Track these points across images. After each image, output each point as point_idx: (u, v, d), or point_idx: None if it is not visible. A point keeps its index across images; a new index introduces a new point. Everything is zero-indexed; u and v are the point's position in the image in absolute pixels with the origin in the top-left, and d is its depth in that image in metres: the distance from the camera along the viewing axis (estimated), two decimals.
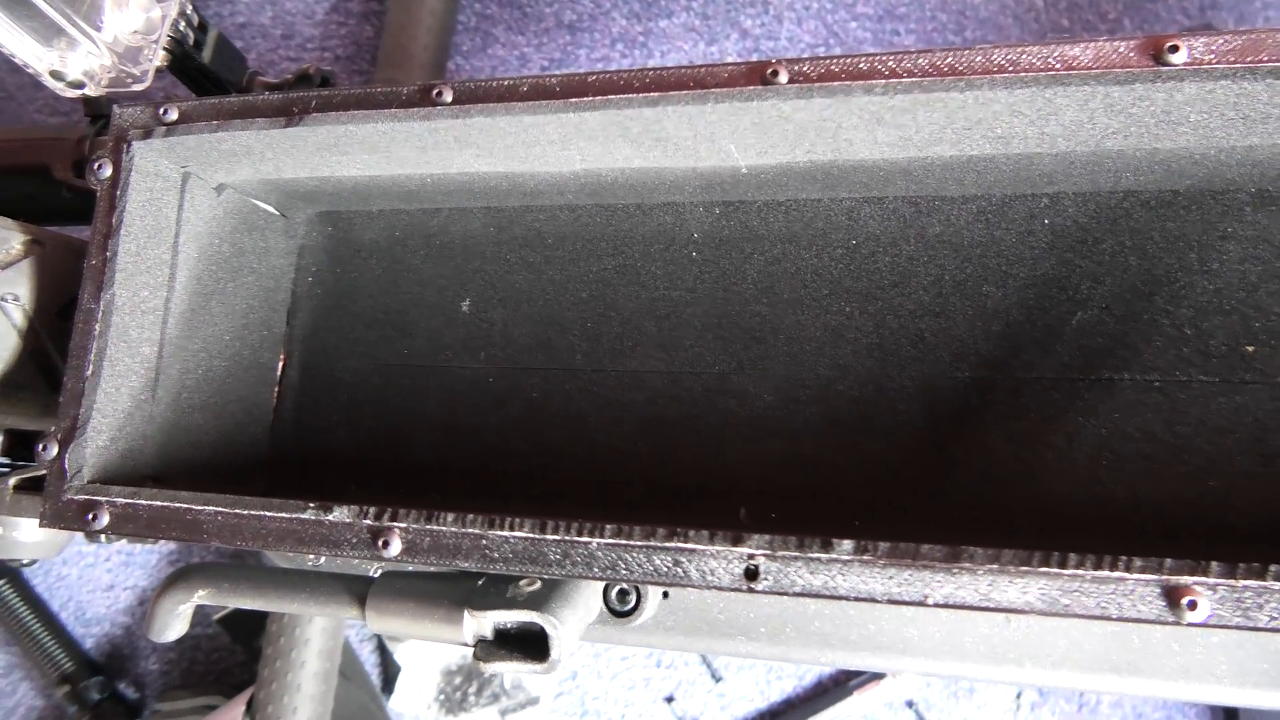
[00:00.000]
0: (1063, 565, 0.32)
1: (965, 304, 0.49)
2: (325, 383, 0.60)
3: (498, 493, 0.55)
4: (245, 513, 0.41)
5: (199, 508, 0.42)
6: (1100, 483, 0.46)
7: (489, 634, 0.47)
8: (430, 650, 0.98)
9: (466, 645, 0.47)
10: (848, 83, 0.37)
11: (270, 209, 0.59)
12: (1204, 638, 0.45)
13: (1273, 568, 0.31)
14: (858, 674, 0.99)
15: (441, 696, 0.99)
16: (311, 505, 0.40)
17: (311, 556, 0.44)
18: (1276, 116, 0.37)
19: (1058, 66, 0.35)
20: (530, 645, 0.46)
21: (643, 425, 0.53)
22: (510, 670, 0.46)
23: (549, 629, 0.44)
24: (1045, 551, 0.33)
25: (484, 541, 0.38)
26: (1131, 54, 0.35)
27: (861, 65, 0.37)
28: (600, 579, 0.37)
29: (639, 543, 0.36)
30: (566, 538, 0.37)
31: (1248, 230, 0.46)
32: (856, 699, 0.97)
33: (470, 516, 0.38)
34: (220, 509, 0.41)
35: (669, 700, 1.01)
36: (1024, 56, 0.36)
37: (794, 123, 0.40)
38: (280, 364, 0.60)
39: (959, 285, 0.50)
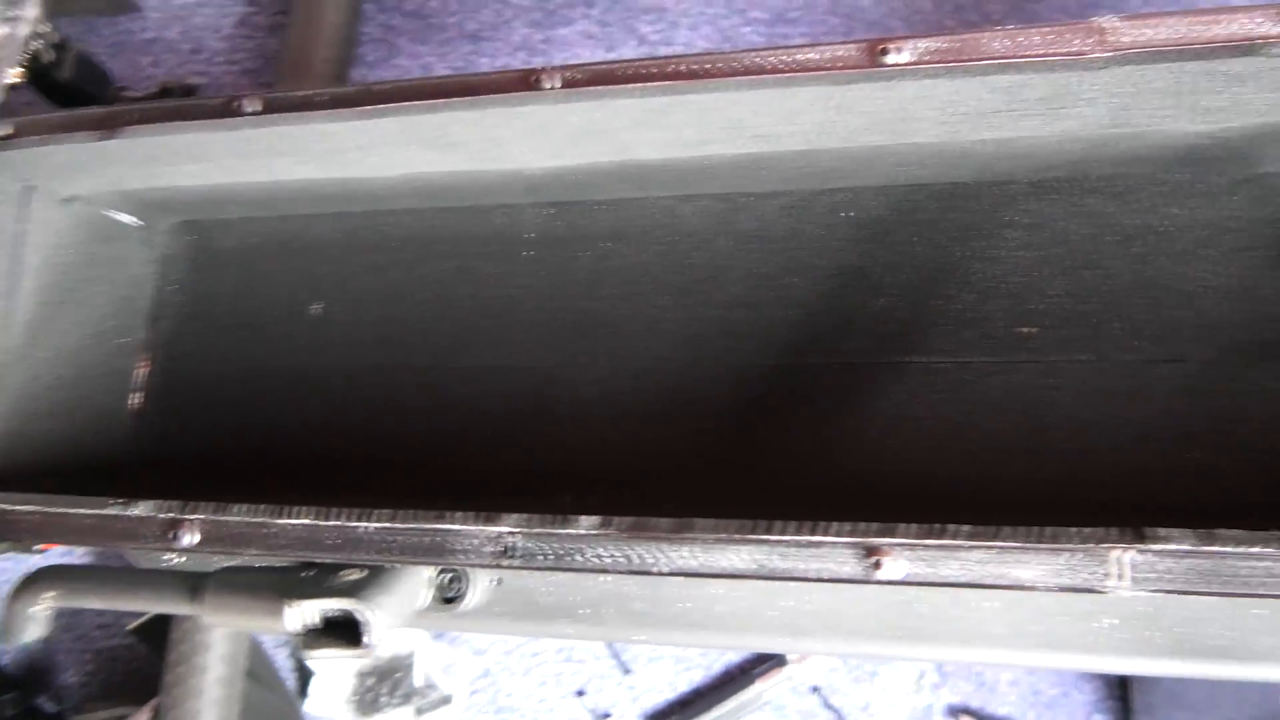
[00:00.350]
0: (769, 532, 0.35)
1: (773, 295, 0.52)
2: (187, 386, 0.62)
3: (344, 484, 0.57)
4: (55, 510, 0.43)
5: (13, 507, 0.44)
6: (889, 459, 0.49)
7: (316, 622, 0.49)
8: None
9: (291, 634, 0.49)
10: (608, 87, 0.40)
11: (128, 219, 0.61)
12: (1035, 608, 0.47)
13: (950, 528, 0.33)
14: (761, 661, 1.01)
15: (355, 698, 1.01)
16: (115, 501, 0.42)
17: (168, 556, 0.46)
18: (1004, 111, 0.40)
19: (791, 68, 0.38)
20: (351, 632, 0.48)
21: (477, 417, 0.55)
22: (328, 656, 0.48)
23: (359, 616, 0.46)
24: (756, 521, 0.35)
25: (267, 530, 0.40)
26: (854, 55, 0.37)
27: (625, 70, 0.40)
28: (374, 562, 0.40)
29: (406, 525, 0.39)
30: (341, 523, 0.39)
31: (1025, 219, 0.49)
32: (759, 686, 0.99)
33: (258, 507, 0.40)
34: (34, 508, 0.43)
35: (580, 694, 1.03)
36: (764, 59, 0.38)
37: (567, 126, 0.42)
38: (143, 369, 0.62)
39: (768, 277, 0.52)
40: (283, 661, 1.05)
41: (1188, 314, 0.47)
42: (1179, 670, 0.46)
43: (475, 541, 0.39)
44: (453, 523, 0.39)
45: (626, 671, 1.02)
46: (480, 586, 0.52)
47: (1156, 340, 0.47)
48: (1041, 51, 0.35)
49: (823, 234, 0.52)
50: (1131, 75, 0.36)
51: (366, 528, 0.40)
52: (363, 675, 1.01)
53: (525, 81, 0.41)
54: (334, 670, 1.01)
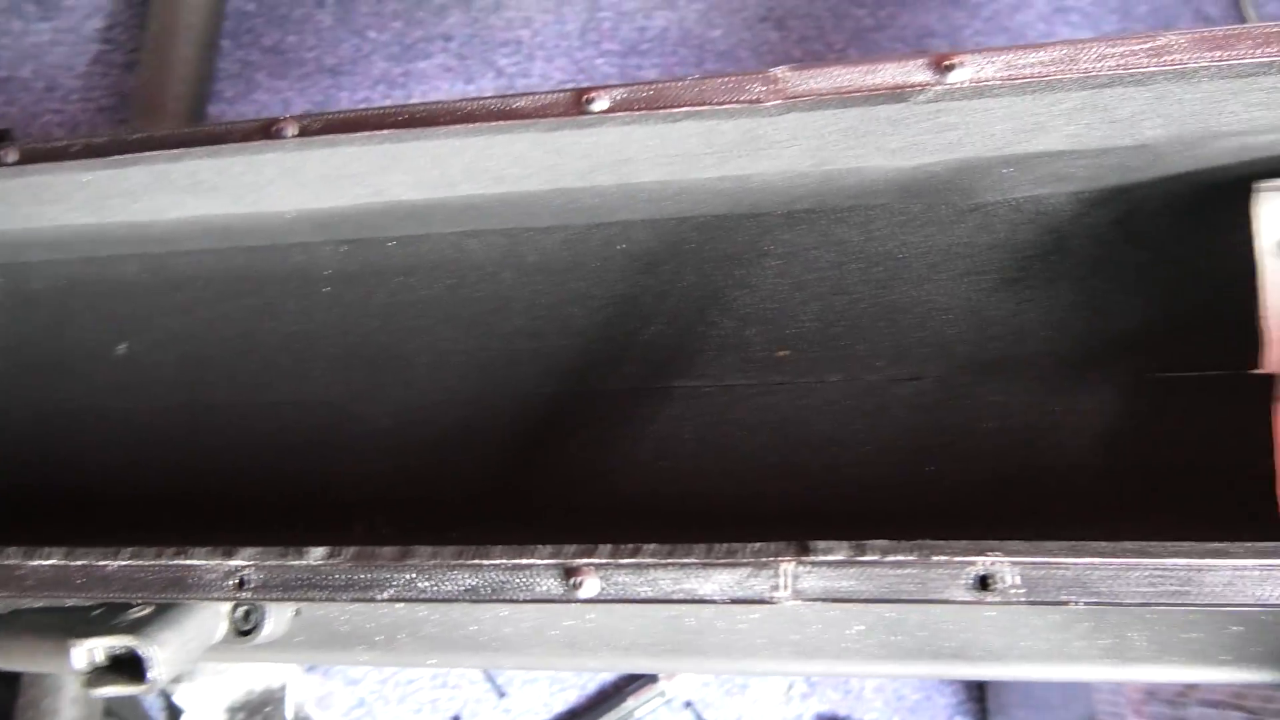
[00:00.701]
0: (481, 557, 0.37)
1: (554, 325, 0.54)
2: None
3: (146, 523, 0.57)
4: None
5: None
6: (659, 479, 0.51)
7: (102, 660, 0.50)
8: (210, 689, 0.99)
9: (79, 672, 0.50)
10: (341, 135, 0.42)
11: None
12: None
13: (641, 547, 0.36)
14: (633, 679, 1.03)
15: None
16: None
17: None
18: (709, 153, 0.42)
19: (505, 115, 0.40)
20: (136, 669, 0.49)
21: (277, 452, 0.57)
22: (115, 693, 0.49)
23: (141, 653, 0.47)
24: (472, 547, 0.37)
25: (19, 572, 0.41)
26: (563, 103, 0.40)
27: (357, 118, 0.42)
28: (122, 599, 0.41)
29: (148, 562, 0.40)
30: (88, 563, 0.40)
31: (780, 248, 0.52)
32: (632, 703, 1.01)
33: (6, 550, 0.41)
34: None
35: None
36: (479, 107, 0.40)
37: (311, 172, 0.44)
38: None
39: (549, 308, 0.55)
40: (151, 700, 1.04)
41: (924, 334, 0.50)
42: (923, 672, 0.49)
43: (212, 576, 0.40)
44: (191, 558, 0.40)
45: (502, 695, 1.03)
46: (277, 618, 0.53)
47: (896, 360, 0.50)
48: (723, 99, 0.38)
49: (599, 266, 0.54)
50: (807, 120, 0.39)
51: (111, 565, 0.41)
52: (233, 710, 1.00)
53: (266, 130, 0.42)
54: (203, 705, 1.00)
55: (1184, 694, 0.60)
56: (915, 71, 0.37)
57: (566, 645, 0.52)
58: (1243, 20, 1.06)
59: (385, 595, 0.38)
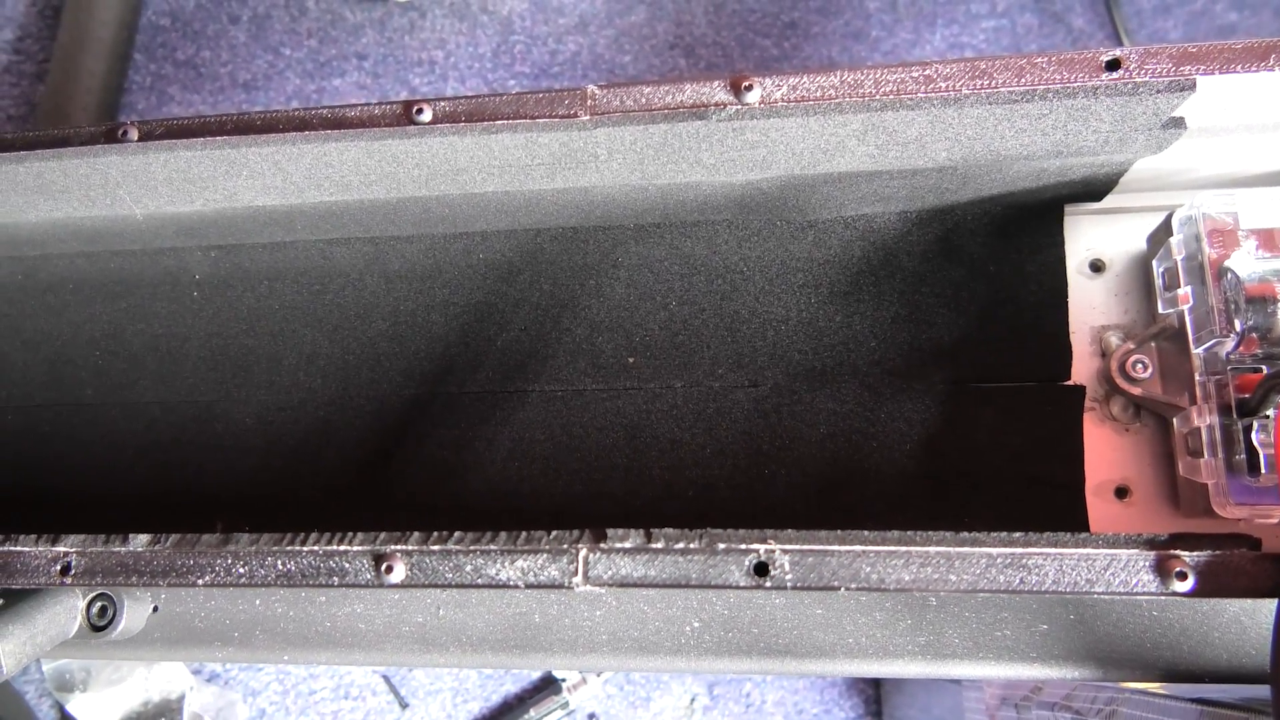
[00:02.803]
0: (296, 544, 0.38)
1: (415, 330, 0.56)
2: None
3: (13, 522, 0.58)
4: None
5: None
6: (512, 478, 0.53)
7: None
8: (104, 700, 0.98)
9: None
10: (181, 140, 0.43)
11: None
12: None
13: (447, 535, 0.37)
14: (536, 690, 1.04)
15: None
16: None
17: None
18: (534, 165, 0.45)
19: (336, 124, 0.42)
20: None
21: (141, 451, 0.57)
22: None
23: None
24: (290, 534, 0.38)
25: None
26: (392, 114, 0.42)
27: (194, 124, 0.44)
28: None
29: None
30: None
31: (631, 259, 0.55)
32: (534, 714, 1.02)
33: None
34: None
35: None
36: (310, 116, 0.42)
37: (154, 176, 0.46)
38: None
39: (411, 314, 0.56)
40: (45, 712, 1.03)
41: (763, 344, 0.53)
42: (755, 668, 0.51)
43: (38, 562, 0.41)
44: (18, 545, 0.41)
45: (404, 706, 1.03)
46: (133, 614, 0.54)
47: (736, 368, 0.53)
48: (538, 114, 0.41)
49: (460, 274, 0.56)
50: (617, 135, 0.41)
51: None
52: None
53: (110, 134, 0.44)
54: (98, 716, 0.98)
55: (1027, 698, 0.63)
56: (714, 92, 0.40)
57: (418, 641, 0.53)
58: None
59: (204, 580, 0.39)
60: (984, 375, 0.51)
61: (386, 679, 1.02)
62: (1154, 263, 0.48)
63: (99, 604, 0.55)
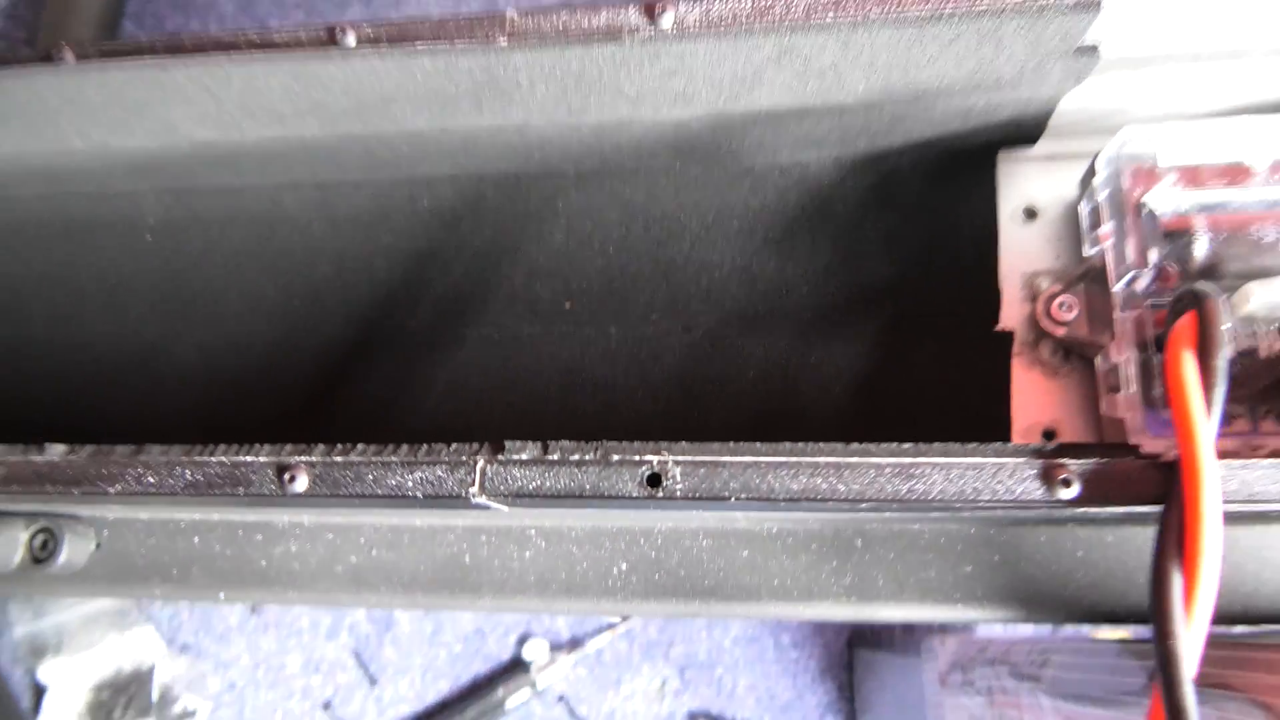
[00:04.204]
0: (204, 454, 0.39)
1: (359, 274, 0.57)
2: None
3: None
4: None
5: None
6: (446, 416, 0.53)
7: None
8: (75, 666, 0.99)
9: None
10: (110, 60, 0.44)
11: None
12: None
13: (351, 447, 0.38)
14: (506, 671, 1.03)
15: (90, 714, 0.99)
16: None
17: None
18: (462, 94, 0.45)
19: (261, 46, 0.43)
20: None
21: (87, 383, 0.58)
22: None
23: None
24: (200, 446, 0.39)
25: None
26: (315, 39, 0.43)
27: (136, 45, 0.44)
28: None
29: None
30: None
31: (572, 207, 0.55)
32: (501, 693, 1.02)
33: None
34: None
35: (326, 707, 1.04)
36: (239, 38, 0.43)
37: (91, 100, 0.47)
38: None
39: (355, 259, 0.57)
40: (18, 676, 1.03)
41: (697, 290, 0.53)
42: (683, 611, 0.50)
43: None
44: None
45: (373, 682, 1.03)
46: (74, 548, 0.55)
47: (669, 312, 0.53)
48: (458, 36, 0.41)
49: (405, 220, 0.57)
50: (536, 60, 0.42)
51: None
52: (98, 689, 1.00)
53: (45, 57, 0.45)
54: (68, 683, 0.99)
55: (972, 659, 0.62)
56: (629, 16, 0.40)
57: (351, 581, 0.53)
58: None
59: (115, 489, 0.40)
60: (915, 321, 0.51)
61: (357, 655, 1.02)
62: (1080, 205, 0.48)
63: (40, 536, 0.56)
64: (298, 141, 0.52)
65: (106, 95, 0.46)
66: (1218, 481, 0.30)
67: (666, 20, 0.40)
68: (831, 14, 0.39)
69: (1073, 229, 0.51)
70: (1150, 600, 0.31)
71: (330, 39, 0.42)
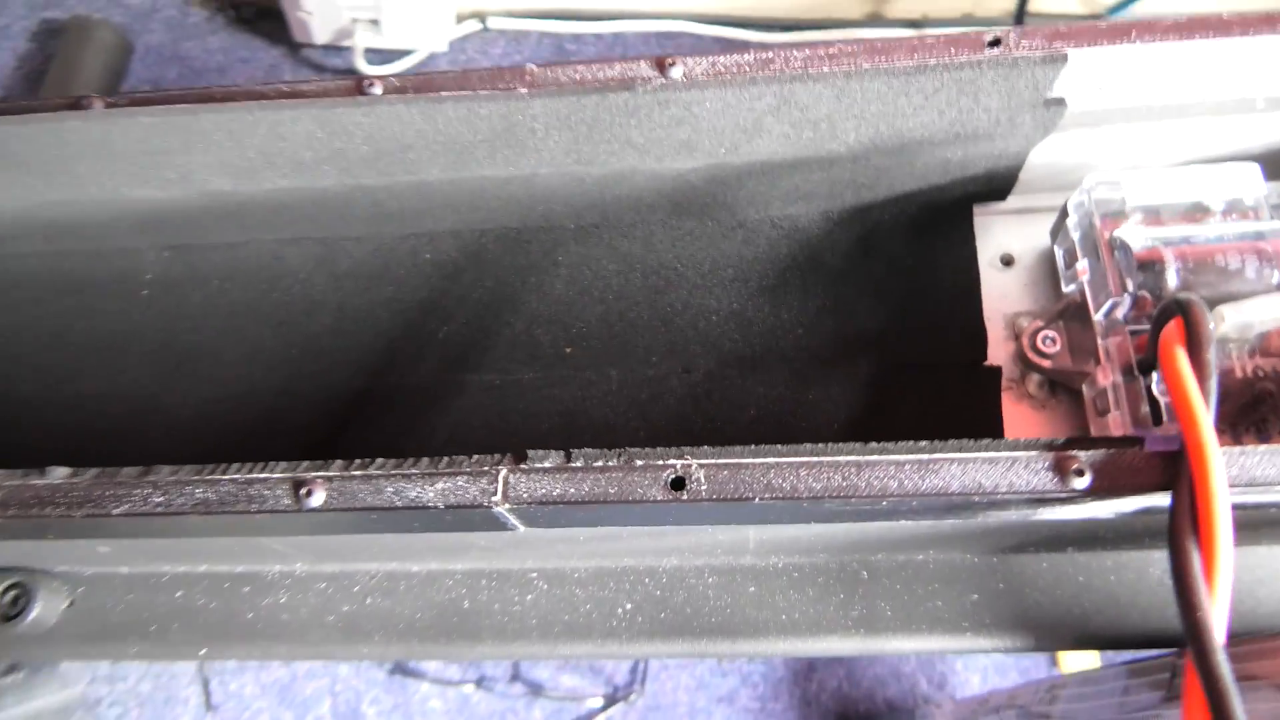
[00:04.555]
0: (216, 474, 0.38)
1: (360, 325, 0.57)
2: None
3: None
4: None
5: None
6: None
7: None
8: None
9: None
10: (140, 107, 0.46)
11: None
12: None
13: (370, 461, 0.38)
14: None
15: None
16: None
17: None
18: (481, 141, 0.48)
19: (290, 95, 0.45)
20: None
21: (81, 441, 0.57)
22: None
23: None
24: (212, 465, 0.39)
25: None
26: (345, 88, 0.45)
27: (166, 95, 0.46)
28: None
29: None
30: None
31: (571, 258, 0.57)
32: None
33: None
34: None
35: None
36: (269, 89, 0.45)
37: (116, 147, 0.48)
38: None
39: (356, 310, 0.58)
40: None
41: (695, 334, 0.55)
42: (690, 651, 0.50)
43: None
44: None
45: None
46: (46, 604, 0.52)
47: (669, 355, 0.54)
48: (482, 86, 0.44)
49: (406, 272, 0.58)
50: (554, 107, 0.45)
51: None
52: None
53: (74, 104, 0.47)
54: None
55: (975, 712, 0.62)
56: (641, 68, 0.44)
57: (344, 631, 0.51)
58: None
59: (120, 510, 0.39)
60: (906, 362, 0.53)
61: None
62: (1055, 247, 0.51)
63: (11, 592, 0.53)
64: (308, 194, 0.54)
65: (131, 141, 0.47)
66: (1222, 459, 0.32)
67: (676, 72, 0.43)
68: (827, 66, 0.42)
69: (1047, 274, 0.54)
70: (1173, 578, 0.32)
71: (358, 89, 0.45)
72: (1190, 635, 0.30)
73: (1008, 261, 0.55)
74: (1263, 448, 0.34)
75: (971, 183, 0.53)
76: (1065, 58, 0.42)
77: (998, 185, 0.53)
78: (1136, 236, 0.46)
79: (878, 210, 0.55)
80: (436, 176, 0.51)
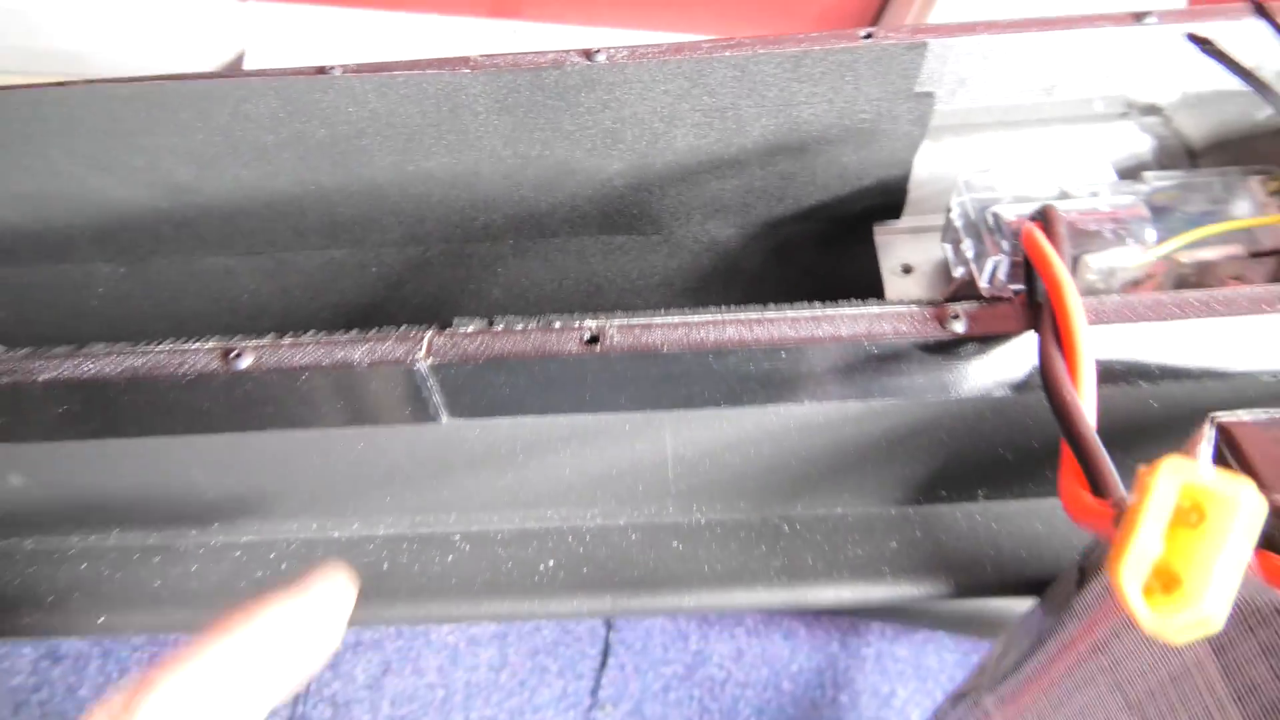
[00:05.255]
0: (153, 345, 0.40)
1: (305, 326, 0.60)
2: None
3: None
4: None
5: None
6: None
7: None
8: None
9: None
10: (110, 83, 0.52)
11: None
12: None
13: (307, 333, 0.40)
14: None
15: None
16: None
17: None
18: (425, 126, 0.54)
19: (255, 74, 0.51)
20: None
21: None
22: None
23: None
24: (140, 341, 0.40)
25: None
26: (311, 70, 0.51)
27: (135, 79, 0.52)
28: None
29: None
30: None
31: (510, 271, 0.61)
32: None
33: None
34: None
35: None
36: (237, 73, 0.51)
37: (83, 126, 0.53)
38: None
39: (300, 318, 0.61)
40: None
41: None
42: (612, 607, 0.49)
43: None
44: None
45: None
46: None
47: None
48: (430, 67, 0.51)
49: (352, 284, 0.62)
50: (493, 83, 0.51)
51: None
52: None
53: (60, 85, 0.52)
54: None
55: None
56: (570, 55, 0.51)
57: (254, 597, 0.49)
58: None
59: (45, 376, 0.39)
60: None
61: None
62: (944, 244, 0.57)
63: None
64: (264, 196, 0.58)
65: (102, 118, 0.52)
66: (1075, 290, 0.36)
67: (600, 57, 0.51)
68: (728, 51, 0.50)
69: (942, 275, 0.60)
70: (1041, 380, 0.34)
71: (319, 70, 0.51)
72: (1058, 414, 0.33)
73: (907, 270, 0.61)
74: (1112, 296, 0.38)
75: (868, 194, 0.59)
76: (925, 44, 0.50)
77: (892, 199, 0.60)
78: (1009, 211, 0.52)
79: (788, 225, 0.61)
80: (386, 175, 0.57)
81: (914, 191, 0.60)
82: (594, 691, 1.00)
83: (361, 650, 0.99)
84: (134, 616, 0.49)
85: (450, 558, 0.50)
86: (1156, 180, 0.55)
